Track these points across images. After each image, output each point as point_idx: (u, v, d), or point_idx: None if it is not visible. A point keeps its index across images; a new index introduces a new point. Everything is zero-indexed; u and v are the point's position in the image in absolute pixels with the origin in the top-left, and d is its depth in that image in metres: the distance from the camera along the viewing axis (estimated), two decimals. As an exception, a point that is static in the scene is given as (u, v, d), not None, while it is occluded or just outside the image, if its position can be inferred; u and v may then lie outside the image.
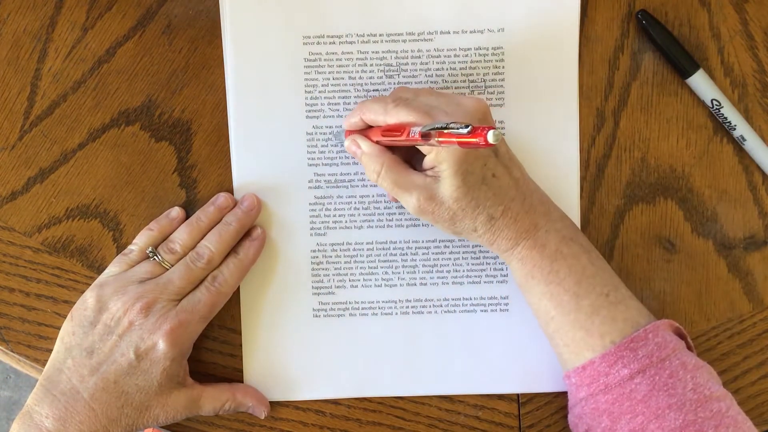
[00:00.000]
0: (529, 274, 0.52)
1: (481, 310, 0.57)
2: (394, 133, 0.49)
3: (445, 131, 0.44)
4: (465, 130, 0.42)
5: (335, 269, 0.57)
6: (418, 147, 0.50)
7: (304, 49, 0.56)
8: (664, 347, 0.49)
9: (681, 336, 0.52)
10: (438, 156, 0.49)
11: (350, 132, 0.54)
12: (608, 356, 0.49)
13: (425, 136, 0.46)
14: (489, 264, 0.57)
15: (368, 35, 0.56)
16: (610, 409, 0.49)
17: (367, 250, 0.57)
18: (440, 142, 0.45)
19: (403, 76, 0.56)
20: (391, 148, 0.52)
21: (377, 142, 0.52)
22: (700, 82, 0.56)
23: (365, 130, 0.53)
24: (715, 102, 0.56)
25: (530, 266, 0.51)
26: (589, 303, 0.51)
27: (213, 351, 0.57)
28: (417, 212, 0.51)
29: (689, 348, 0.52)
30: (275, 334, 0.57)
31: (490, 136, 0.41)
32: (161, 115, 0.57)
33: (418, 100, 0.50)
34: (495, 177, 0.50)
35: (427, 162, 0.50)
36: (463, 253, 0.57)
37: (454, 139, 0.43)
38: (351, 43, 0.56)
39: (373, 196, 0.57)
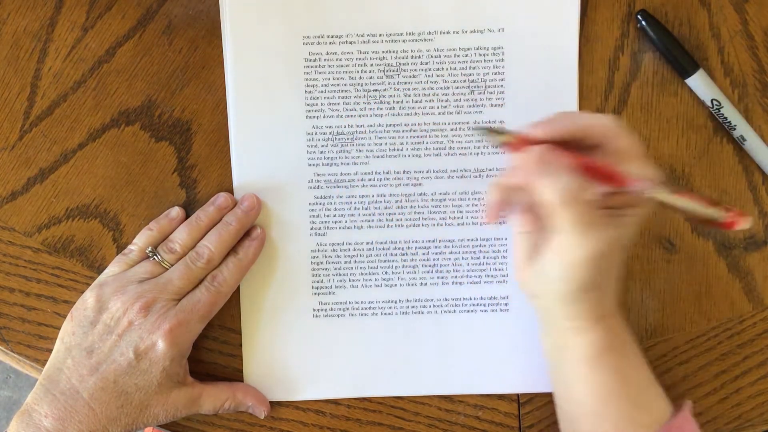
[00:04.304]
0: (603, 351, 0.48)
1: (481, 310, 0.57)
2: (602, 177, 0.44)
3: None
4: (722, 214, 0.44)
5: (335, 269, 0.57)
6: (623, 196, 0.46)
7: (304, 49, 0.56)
8: None
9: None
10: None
11: (524, 140, 0.45)
12: None
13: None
14: (489, 264, 0.57)
15: (368, 35, 0.56)
16: None
17: (367, 250, 0.57)
18: (677, 204, 0.44)
19: (403, 76, 0.56)
20: None
21: None
22: (700, 82, 0.56)
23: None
24: (715, 102, 0.56)
25: (605, 343, 0.48)
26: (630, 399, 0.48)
27: (213, 351, 0.57)
28: (593, 260, 0.45)
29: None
30: (275, 334, 0.57)
31: (744, 223, 0.44)
32: (161, 115, 0.57)
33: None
34: None
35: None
36: (463, 253, 0.57)
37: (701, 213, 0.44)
38: (351, 43, 0.56)
39: (373, 196, 0.57)
